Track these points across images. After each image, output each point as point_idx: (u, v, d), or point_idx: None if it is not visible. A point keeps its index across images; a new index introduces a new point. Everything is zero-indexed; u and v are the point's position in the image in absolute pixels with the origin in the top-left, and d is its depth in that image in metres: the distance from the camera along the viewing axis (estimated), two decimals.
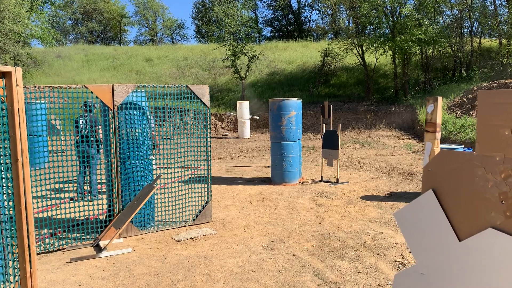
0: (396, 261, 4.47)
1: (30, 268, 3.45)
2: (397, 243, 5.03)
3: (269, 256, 4.73)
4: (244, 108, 19.95)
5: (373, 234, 5.45)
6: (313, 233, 5.56)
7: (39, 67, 27.04)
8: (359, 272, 4.20)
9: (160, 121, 6.63)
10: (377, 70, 25.25)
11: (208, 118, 6.05)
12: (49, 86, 4.99)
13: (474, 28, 23.34)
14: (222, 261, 4.59)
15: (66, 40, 48.70)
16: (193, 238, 5.45)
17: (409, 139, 16.92)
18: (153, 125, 7.36)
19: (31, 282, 3.45)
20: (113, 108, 5.33)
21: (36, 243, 5.12)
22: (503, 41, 21.74)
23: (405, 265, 4.36)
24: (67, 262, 4.68)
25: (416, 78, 24.05)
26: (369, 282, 3.97)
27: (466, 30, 23.59)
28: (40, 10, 26.83)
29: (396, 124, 20.33)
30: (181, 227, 5.98)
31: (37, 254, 4.90)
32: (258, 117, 21.64)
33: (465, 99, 17.61)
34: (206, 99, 6.01)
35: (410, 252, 4.72)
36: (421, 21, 21.03)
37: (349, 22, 29.45)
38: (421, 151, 13.44)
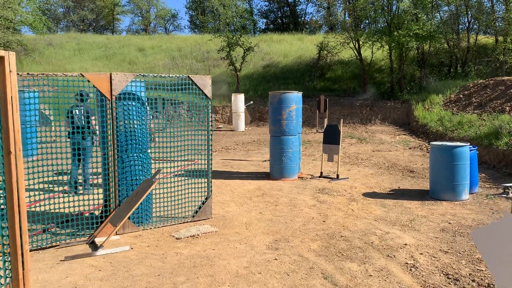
0: (407, 263, 4.29)
1: (23, 269, 3.20)
2: (406, 244, 4.85)
3: (274, 256, 4.52)
4: (239, 101, 19.66)
5: (380, 233, 5.26)
6: (318, 232, 5.36)
7: (29, 55, 26.43)
8: (370, 275, 4.01)
9: (159, 113, 6.36)
10: (372, 64, 25.07)
11: (210, 111, 5.81)
12: (43, 74, 4.69)
13: (470, 24, 23.22)
14: (226, 262, 4.37)
15: (57, 28, 47.81)
16: (193, 235, 5.21)
17: (405, 135, 16.79)
18: (149, 116, 7.07)
19: (24, 284, 3.21)
20: (111, 98, 5.06)
21: (28, 239, 4.85)
22: (499, 38, 21.66)
23: (417, 268, 4.17)
24: (61, 260, 4.43)
25: (412, 74, 23.91)
26: (382, 286, 3.78)
27: (462, 26, 23.50)
28: None
29: (392, 120, 20.20)
30: (180, 223, 5.74)
31: (29, 251, 4.63)
32: (252, 102, 21.24)
33: (461, 96, 17.52)
34: (208, 90, 5.76)
35: (421, 254, 4.55)
36: (419, 16, 20.85)
37: (344, 15, 29.21)
38: (418, 147, 13.31)
